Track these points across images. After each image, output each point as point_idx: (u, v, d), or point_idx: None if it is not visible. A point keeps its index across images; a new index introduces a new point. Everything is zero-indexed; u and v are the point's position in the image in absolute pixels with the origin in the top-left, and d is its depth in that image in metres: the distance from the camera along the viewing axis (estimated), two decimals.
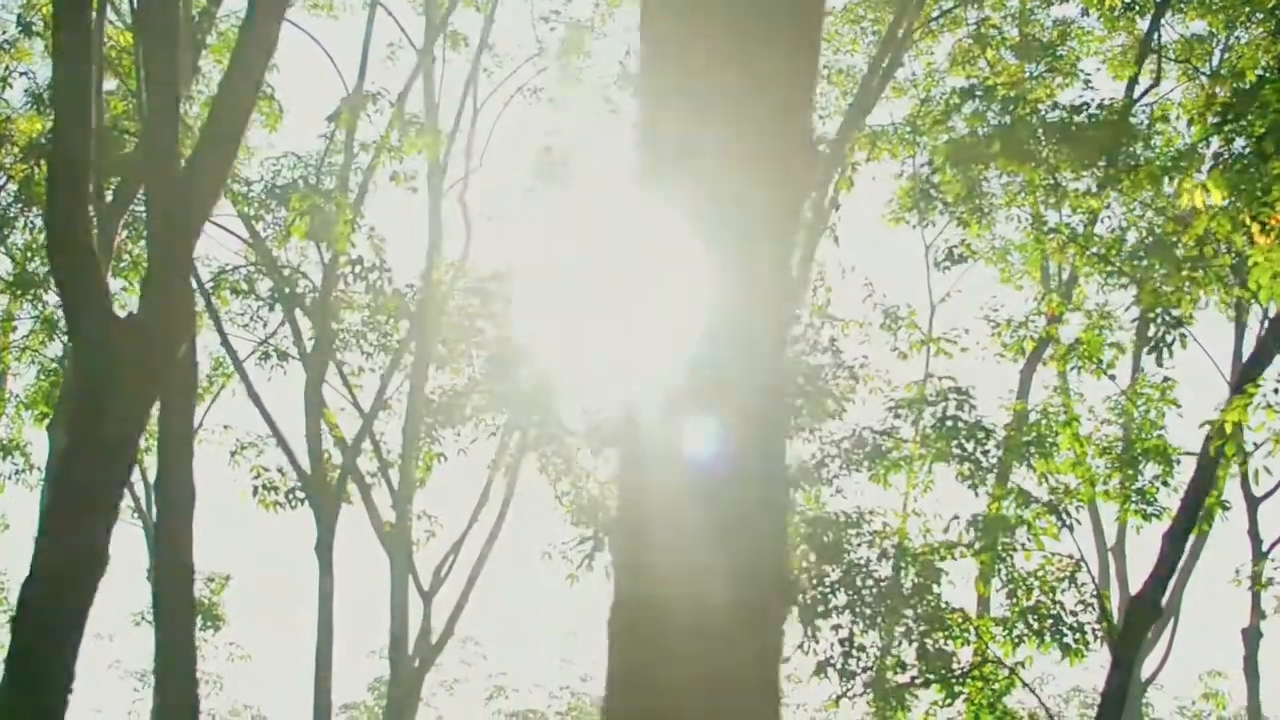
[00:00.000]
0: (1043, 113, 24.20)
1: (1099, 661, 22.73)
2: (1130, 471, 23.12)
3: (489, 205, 34.92)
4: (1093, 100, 24.96)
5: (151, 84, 16.32)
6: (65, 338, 33.86)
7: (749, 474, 6.22)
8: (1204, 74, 31.43)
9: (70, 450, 14.58)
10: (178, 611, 18.65)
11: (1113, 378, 26.18)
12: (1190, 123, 25.76)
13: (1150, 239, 23.79)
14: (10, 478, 35.08)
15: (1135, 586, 21.40)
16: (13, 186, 32.00)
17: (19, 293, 33.58)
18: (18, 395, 35.47)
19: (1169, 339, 21.78)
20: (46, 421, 33.87)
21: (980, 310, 30.23)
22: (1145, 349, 21.90)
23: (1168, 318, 21.77)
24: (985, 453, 22.66)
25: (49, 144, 30.13)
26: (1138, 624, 20.47)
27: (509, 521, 33.80)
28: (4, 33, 30.27)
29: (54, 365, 34.66)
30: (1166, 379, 24.86)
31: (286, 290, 32.26)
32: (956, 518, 22.77)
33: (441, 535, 33.99)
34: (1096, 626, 22.35)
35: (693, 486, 6.09)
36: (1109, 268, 24.03)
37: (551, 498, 33.26)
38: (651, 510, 6.15)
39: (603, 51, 38.85)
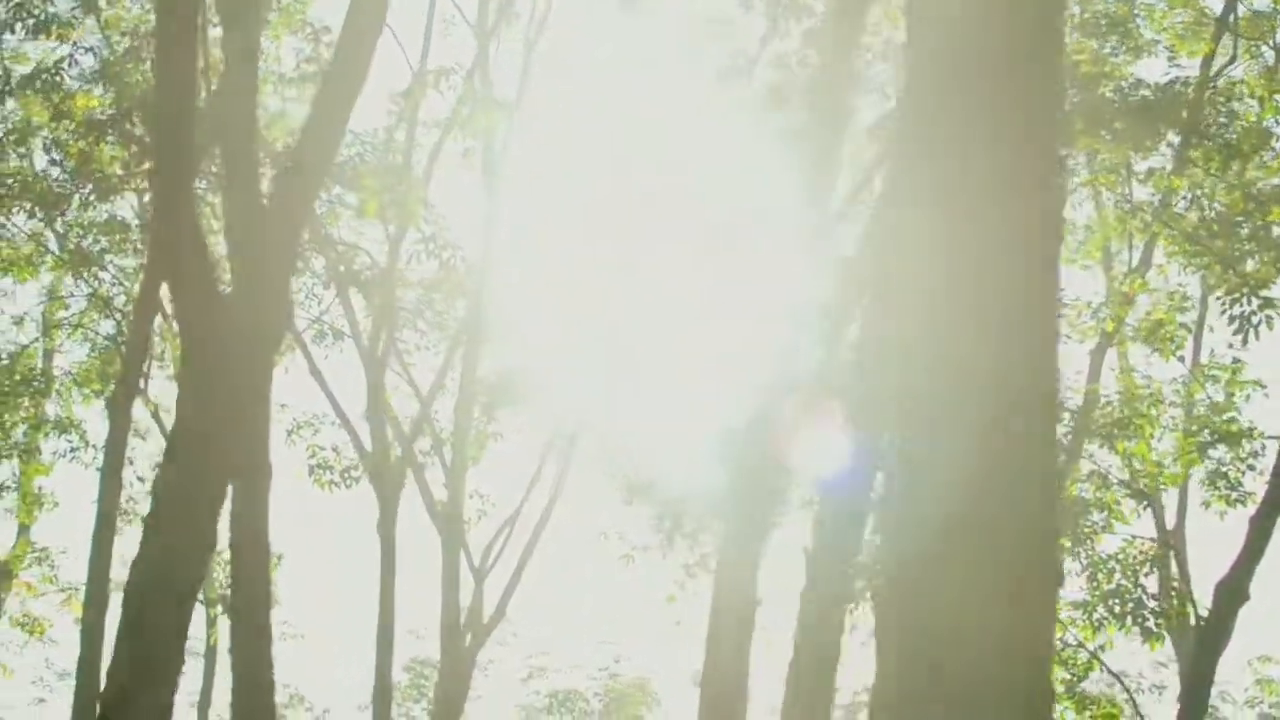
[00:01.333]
0: (1124, 89, 23.95)
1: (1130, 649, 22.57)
2: (1211, 455, 22.89)
3: (544, 182, 34.63)
4: (1173, 76, 24.74)
5: (231, 55, 16.12)
6: (118, 315, 33.75)
7: (1030, 506, 6.10)
8: (1270, 49, 31.08)
9: (180, 429, 14.40)
10: (255, 590, 18.54)
11: (1181, 359, 25.97)
12: (1260, 101, 25.52)
13: (1240, 219, 23.52)
14: (64, 455, 34.96)
15: (1195, 572, 21.21)
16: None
17: (74, 270, 33.38)
18: (68, 373, 35.23)
19: (1255, 320, 21.51)
20: (103, 400, 33.81)
21: None
22: (1233, 330, 21.59)
23: (1257, 298, 21.50)
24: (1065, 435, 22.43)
25: (107, 120, 30.14)
26: (1225, 608, 20.25)
27: (559, 501, 33.72)
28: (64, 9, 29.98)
29: (106, 343, 34.50)
30: (1236, 360, 24.64)
31: (342, 268, 32.07)
32: None
33: (494, 514, 33.87)
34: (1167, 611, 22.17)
35: (973, 523, 5.95)
36: (1194, 247, 23.75)
37: (604, 477, 33.30)
38: (932, 562, 6.01)
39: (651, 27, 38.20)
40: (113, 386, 33.96)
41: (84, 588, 30.53)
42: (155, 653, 13.68)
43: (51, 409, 35.61)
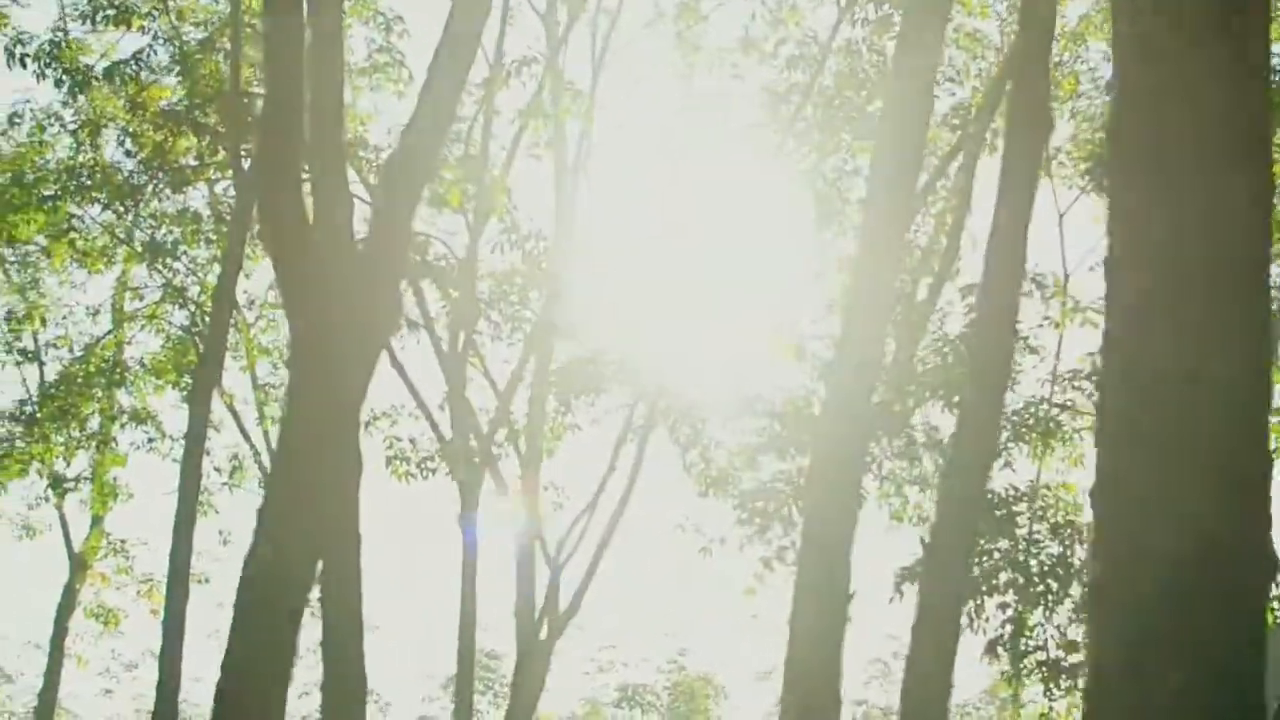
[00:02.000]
0: None
1: None
2: None
3: (616, 174, 34.50)
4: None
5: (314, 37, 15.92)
6: (192, 306, 33.76)
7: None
8: None
9: (294, 418, 14.26)
10: (347, 581, 18.45)
11: None
12: None
13: None
14: (141, 447, 35.00)
15: None
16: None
17: (149, 261, 33.40)
18: (142, 364, 35.23)
19: None
20: (176, 391, 33.87)
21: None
22: None
23: None
24: None
25: (184, 111, 30.11)
26: None
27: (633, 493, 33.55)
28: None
29: (180, 334, 34.50)
30: None
31: (417, 258, 31.93)
32: None
33: (569, 506, 33.71)
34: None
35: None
36: None
37: (680, 469, 33.09)
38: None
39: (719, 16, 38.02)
40: (188, 378, 34.01)
41: (164, 579, 30.55)
42: (270, 645, 13.60)
43: (125, 400, 35.65)
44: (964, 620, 22.96)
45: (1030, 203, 17.20)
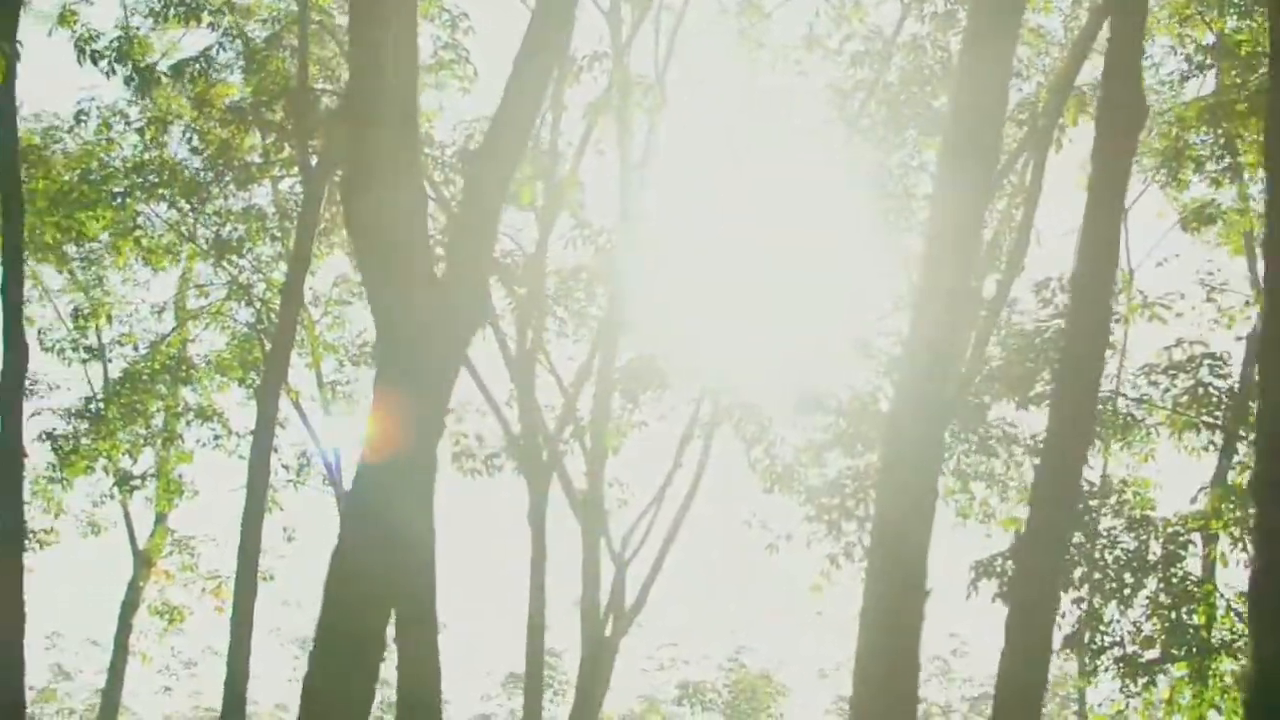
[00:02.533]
0: None
1: None
2: None
3: (680, 171, 34.41)
4: None
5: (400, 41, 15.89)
6: (257, 303, 33.82)
7: None
8: None
9: (380, 416, 14.22)
10: (421, 578, 18.41)
11: None
12: None
13: None
14: (206, 444, 35.07)
15: None
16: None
17: (215, 258, 33.49)
18: (207, 360, 35.30)
19: None
20: (241, 387, 33.95)
21: (1195, 275, 29.52)
22: None
23: None
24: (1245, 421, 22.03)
25: (250, 108, 30.16)
26: None
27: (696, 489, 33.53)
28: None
29: (245, 330, 34.57)
30: None
31: None
32: (1204, 489, 22.19)
33: (633, 503, 33.64)
34: None
35: None
36: None
37: (744, 465, 32.99)
38: None
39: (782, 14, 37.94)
40: (252, 375, 34.12)
41: (230, 576, 30.63)
42: (359, 639, 13.58)
43: (189, 397, 35.72)
44: None
45: (1123, 195, 17.09)
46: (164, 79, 29.53)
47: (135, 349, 36.15)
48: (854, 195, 32.96)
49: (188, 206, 32.38)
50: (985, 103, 17.97)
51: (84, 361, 35.83)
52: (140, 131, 31.82)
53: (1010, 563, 23.46)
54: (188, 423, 35.08)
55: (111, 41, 29.12)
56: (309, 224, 28.96)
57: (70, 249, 35.29)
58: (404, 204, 14.76)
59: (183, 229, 33.39)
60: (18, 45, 20.90)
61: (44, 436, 34.09)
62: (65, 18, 29.00)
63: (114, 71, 28.92)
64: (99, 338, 36.34)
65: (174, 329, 36.10)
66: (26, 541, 28.13)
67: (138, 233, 33.21)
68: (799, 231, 33.23)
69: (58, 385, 36.04)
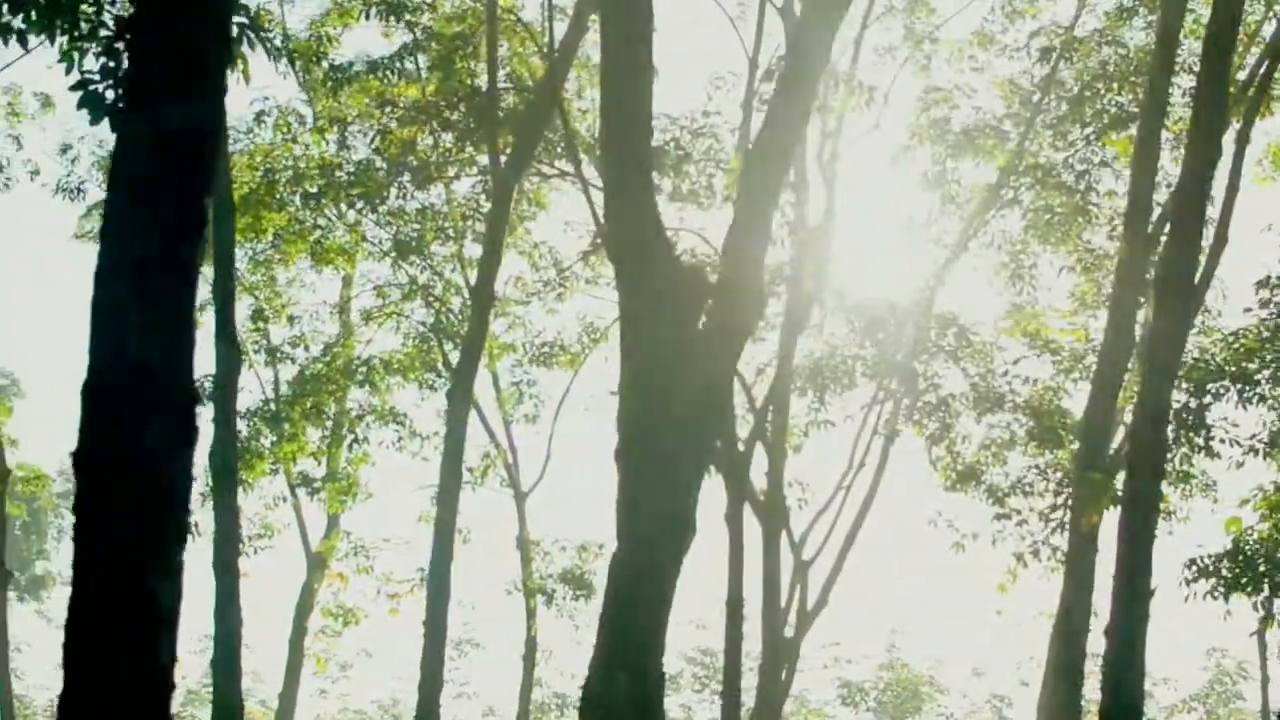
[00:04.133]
0: None
1: None
2: None
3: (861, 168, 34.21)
4: None
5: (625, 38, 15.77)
6: (436, 304, 33.80)
7: None
8: None
9: (643, 418, 14.17)
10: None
11: None
12: None
13: None
14: (389, 446, 35.07)
15: None
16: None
17: (396, 258, 33.51)
18: (385, 362, 35.26)
19: None
20: (425, 390, 33.96)
21: None
22: None
23: None
24: None
25: (435, 108, 30.15)
26: None
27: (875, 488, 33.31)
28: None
29: (423, 330, 34.54)
30: None
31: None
32: None
33: (813, 503, 33.39)
34: None
35: None
36: None
37: (925, 464, 32.76)
38: None
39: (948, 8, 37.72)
40: (429, 375, 34.14)
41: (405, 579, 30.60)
42: (643, 628, 13.60)
43: (363, 399, 35.73)
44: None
45: None
46: (360, 78, 29.56)
47: (306, 349, 36.09)
48: (1032, 192, 32.72)
49: (367, 207, 32.28)
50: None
51: (267, 363, 35.82)
52: (320, 131, 31.89)
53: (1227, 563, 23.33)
54: (369, 425, 35.00)
55: (308, 41, 29.23)
56: (499, 223, 28.86)
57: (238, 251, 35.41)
58: (640, 215, 14.79)
59: (361, 229, 33.34)
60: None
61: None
62: (260, 18, 29.07)
63: (309, 73, 29.00)
64: (267, 340, 36.37)
65: (350, 331, 36.06)
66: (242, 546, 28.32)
67: (317, 233, 33.18)
68: (976, 228, 33.00)
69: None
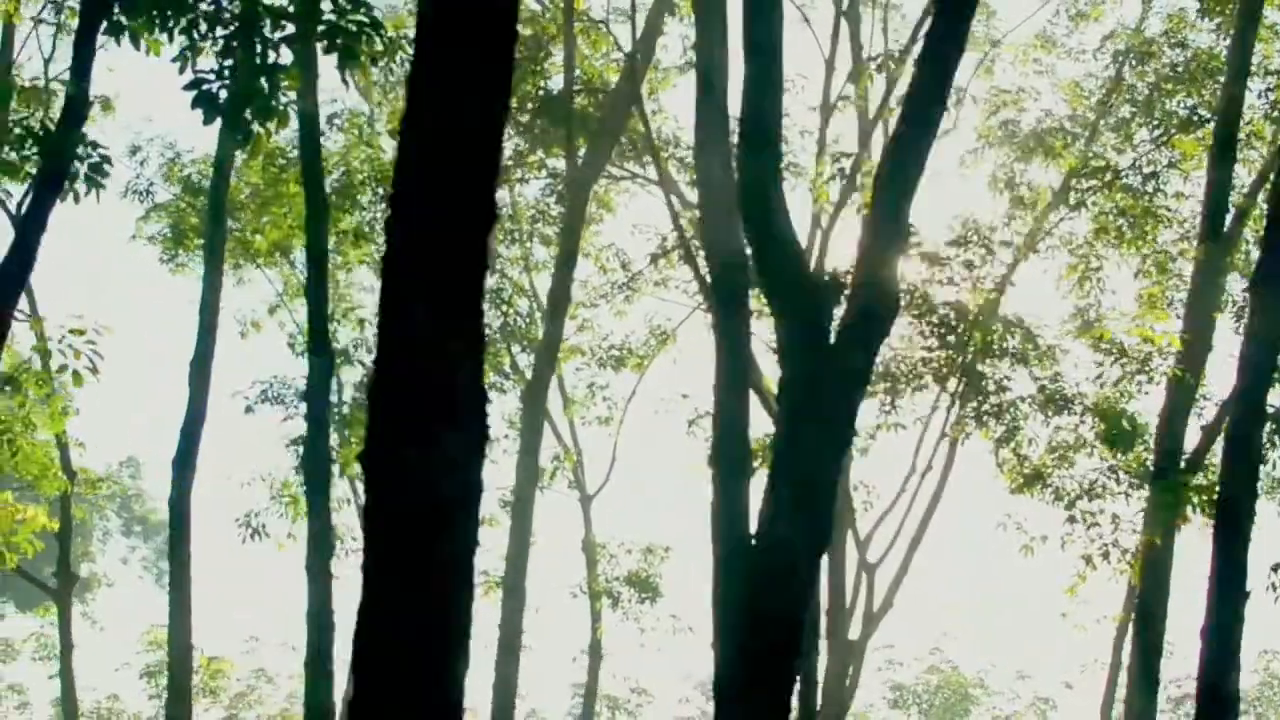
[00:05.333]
0: None
1: None
2: None
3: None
4: None
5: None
6: (505, 307, 33.86)
7: None
8: None
9: (791, 422, 14.14)
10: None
11: None
12: None
13: None
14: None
15: None
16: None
17: None
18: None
19: None
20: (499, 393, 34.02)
21: None
22: None
23: None
24: None
25: (547, 101, 30.10)
26: None
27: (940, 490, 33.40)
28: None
29: (489, 333, 34.53)
30: None
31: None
32: None
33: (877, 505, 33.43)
34: None
35: None
36: None
37: (991, 466, 32.69)
38: None
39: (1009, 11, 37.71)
40: (497, 378, 34.20)
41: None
42: (783, 619, 13.61)
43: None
44: None
45: None
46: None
47: (369, 352, 36.16)
48: (1100, 194, 32.65)
49: None
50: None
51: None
52: (393, 134, 31.94)
53: None
54: None
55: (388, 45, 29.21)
56: (575, 226, 28.88)
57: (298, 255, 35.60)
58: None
59: None
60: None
61: (295, 442, 34.33)
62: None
63: (386, 77, 29.03)
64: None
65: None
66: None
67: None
68: (1045, 231, 32.95)
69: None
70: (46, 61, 30.47)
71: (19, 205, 31.45)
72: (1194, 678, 19.13)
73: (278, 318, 37.55)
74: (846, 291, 14.84)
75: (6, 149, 26.83)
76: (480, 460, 6.98)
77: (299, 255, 36.62)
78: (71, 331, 15.67)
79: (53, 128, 27.65)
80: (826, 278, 15.07)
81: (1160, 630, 25.90)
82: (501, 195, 33.69)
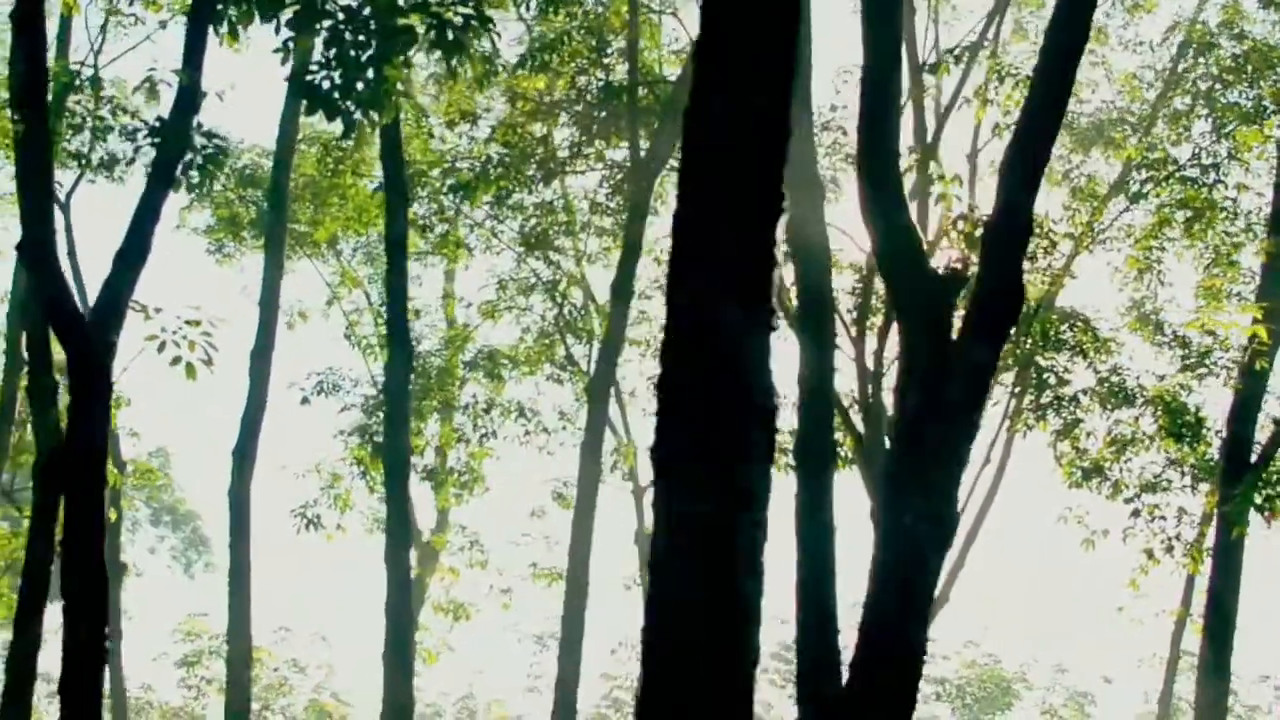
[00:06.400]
0: None
1: None
2: None
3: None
4: None
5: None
6: (559, 297, 33.68)
7: None
8: None
9: (917, 412, 13.99)
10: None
11: None
12: None
13: None
14: (519, 440, 34.98)
15: None
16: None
17: (527, 252, 33.43)
18: (508, 356, 35.15)
19: None
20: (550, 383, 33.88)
21: None
22: None
23: None
24: None
25: (562, 102, 29.92)
26: None
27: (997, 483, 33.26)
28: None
29: (543, 324, 34.47)
30: None
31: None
32: None
33: None
34: None
35: None
36: None
37: (1051, 459, 32.50)
38: None
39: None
40: (553, 369, 34.04)
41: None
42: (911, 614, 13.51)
43: (480, 391, 35.64)
44: None
45: None
46: (523, 67, 29.35)
47: (417, 343, 35.96)
48: (1161, 186, 32.40)
49: (500, 201, 32.11)
50: None
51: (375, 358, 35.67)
52: (451, 125, 31.80)
53: None
54: (492, 419, 34.88)
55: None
56: (639, 218, 28.61)
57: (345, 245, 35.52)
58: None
59: (489, 224, 33.22)
60: None
61: (344, 434, 34.26)
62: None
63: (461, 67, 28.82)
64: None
65: (476, 324, 35.97)
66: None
67: (441, 226, 33.10)
68: (1105, 222, 32.75)
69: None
70: (96, 52, 30.13)
71: (68, 195, 31.33)
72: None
73: (324, 308, 37.45)
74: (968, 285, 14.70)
75: (69, 135, 26.78)
76: (766, 466, 6.84)
77: (345, 246, 36.51)
78: (187, 323, 15.46)
79: (108, 118, 27.80)
80: (948, 269, 14.89)
81: (1232, 622, 25.79)
82: (553, 187, 33.50)
